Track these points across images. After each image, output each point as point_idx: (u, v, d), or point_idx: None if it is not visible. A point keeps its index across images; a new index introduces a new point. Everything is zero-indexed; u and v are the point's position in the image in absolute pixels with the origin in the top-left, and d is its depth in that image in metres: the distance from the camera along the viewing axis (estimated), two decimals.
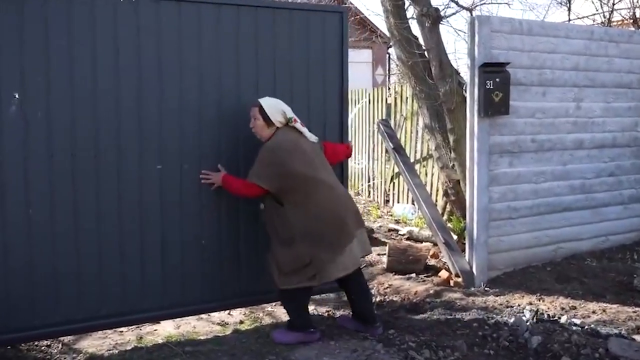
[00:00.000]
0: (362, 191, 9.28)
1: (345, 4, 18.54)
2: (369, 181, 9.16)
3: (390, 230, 6.99)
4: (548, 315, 4.04)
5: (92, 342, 3.97)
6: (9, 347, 3.71)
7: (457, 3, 6.13)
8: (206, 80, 3.93)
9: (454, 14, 6.87)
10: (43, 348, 3.87)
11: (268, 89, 4.09)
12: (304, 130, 3.88)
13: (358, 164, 9.45)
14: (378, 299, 4.64)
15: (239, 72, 4.04)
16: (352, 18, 18.70)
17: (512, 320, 3.94)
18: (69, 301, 3.62)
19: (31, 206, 3.48)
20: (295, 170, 3.67)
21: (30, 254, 3.50)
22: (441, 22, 5.64)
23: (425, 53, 5.82)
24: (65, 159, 3.54)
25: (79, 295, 3.65)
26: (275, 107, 3.80)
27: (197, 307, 4.05)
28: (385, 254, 5.52)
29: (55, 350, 3.85)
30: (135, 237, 3.77)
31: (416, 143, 7.91)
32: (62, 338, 3.95)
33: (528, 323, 3.83)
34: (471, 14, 5.99)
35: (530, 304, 4.31)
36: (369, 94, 9.24)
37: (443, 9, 5.89)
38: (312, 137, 3.91)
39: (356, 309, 4.02)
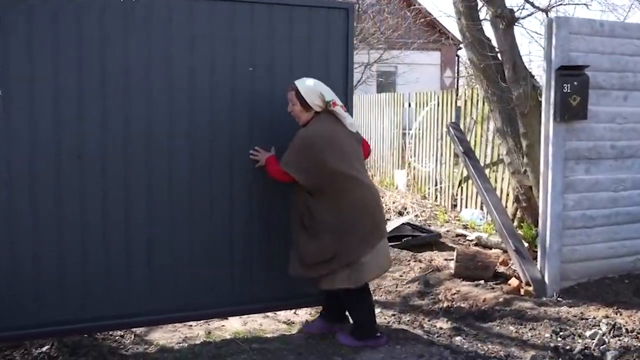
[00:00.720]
0: (428, 195, 9.16)
1: (414, 5, 18.44)
2: (435, 185, 9.03)
3: (457, 235, 6.87)
4: (626, 329, 3.87)
5: (163, 335, 4.09)
6: (85, 336, 3.87)
7: (532, 4, 5.96)
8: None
9: (529, 15, 6.70)
10: (117, 338, 4.01)
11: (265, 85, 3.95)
12: (345, 116, 3.69)
13: (425, 167, 9.33)
14: (445, 305, 4.56)
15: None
16: (422, 20, 18.54)
17: (587, 333, 3.79)
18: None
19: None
20: (328, 166, 3.52)
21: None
22: (516, 24, 5.50)
23: (499, 55, 5.68)
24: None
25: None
26: (312, 91, 3.60)
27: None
28: (452, 260, 5.42)
29: (128, 341, 3.98)
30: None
31: (486, 147, 7.75)
32: (134, 329, 4.09)
33: (604, 337, 3.68)
34: (547, 16, 5.81)
35: (606, 317, 4.13)
36: (437, 97, 9.12)
37: (518, 11, 5.74)
38: (352, 126, 3.73)
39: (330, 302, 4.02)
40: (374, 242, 3.65)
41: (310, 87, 3.61)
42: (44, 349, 3.70)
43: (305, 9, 3.99)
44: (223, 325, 4.26)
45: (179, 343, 3.94)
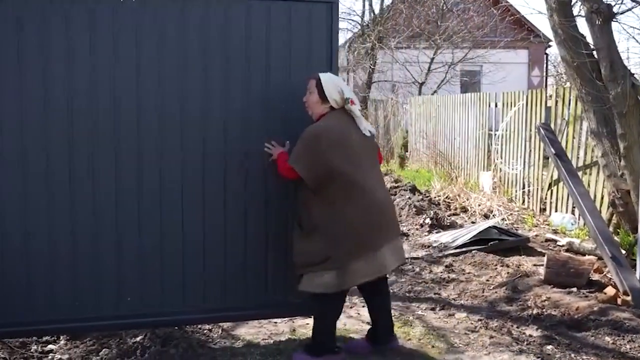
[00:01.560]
0: (515, 198, 8.88)
1: (501, 2, 17.93)
2: (523, 188, 8.74)
3: (547, 240, 6.61)
4: None
5: (249, 330, 4.18)
6: (176, 328, 4.02)
7: None
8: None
9: (628, 10, 6.32)
10: (205, 332, 4.13)
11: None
12: (362, 118, 3.56)
13: (512, 169, 9.05)
14: (535, 312, 4.40)
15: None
16: (508, 18, 18.02)
17: None
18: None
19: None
20: (333, 165, 3.36)
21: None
22: (613, 20, 5.23)
23: (594, 53, 5.43)
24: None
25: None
26: (333, 84, 3.50)
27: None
28: (542, 265, 5.23)
29: (216, 335, 4.10)
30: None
31: (578, 149, 7.40)
32: (222, 324, 4.20)
33: None
34: None
35: None
36: (526, 96, 8.82)
37: (616, 5, 5.45)
38: (367, 129, 3.56)
39: (373, 319, 3.79)
40: (370, 249, 3.42)
41: (333, 80, 3.53)
42: (137, 339, 3.87)
43: (285, 2, 3.77)
44: (307, 324, 4.30)
45: (265, 339, 4.02)
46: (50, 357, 3.76)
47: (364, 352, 3.74)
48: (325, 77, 3.52)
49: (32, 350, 3.82)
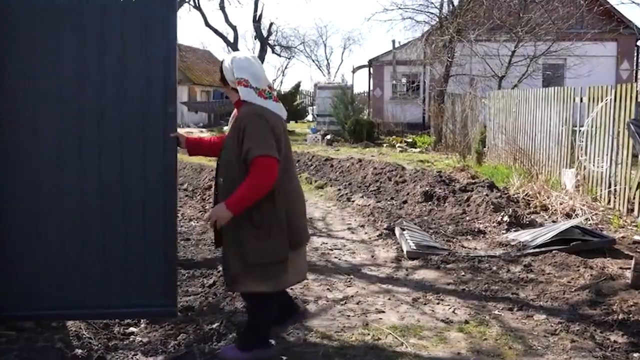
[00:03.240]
0: (600, 197, 8.47)
1: None
2: (609, 187, 8.32)
3: (635, 242, 6.27)
4: None
5: (322, 323, 4.19)
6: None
7: None
8: None
9: None
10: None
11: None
12: (278, 103, 3.34)
13: (598, 167, 8.64)
14: (620, 317, 4.18)
15: None
16: (596, 9, 17.20)
17: None
18: None
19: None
20: (282, 146, 3.19)
21: None
22: None
23: None
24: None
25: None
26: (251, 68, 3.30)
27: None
28: (628, 268, 4.96)
29: (290, 326, 4.13)
30: None
31: None
32: None
33: None
34: None
35: None
36: (614, 91, 8.38)
37: None
38: (283, 111, 3.36)
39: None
40: (303, 243, 3.41)
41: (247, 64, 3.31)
42: (214, 325, 3.97)
43: None
44: (380, 318, 4.28)
45: (337, 332, 4.02)
46: (131, 339, 3.92)
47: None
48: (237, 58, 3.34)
49: (114, 332, 3.99)
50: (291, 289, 4.78)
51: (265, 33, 28.53)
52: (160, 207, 3.64)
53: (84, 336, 3.84)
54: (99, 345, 3.76)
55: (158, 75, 3.61)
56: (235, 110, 3.38)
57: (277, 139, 3.17)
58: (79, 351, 3.52)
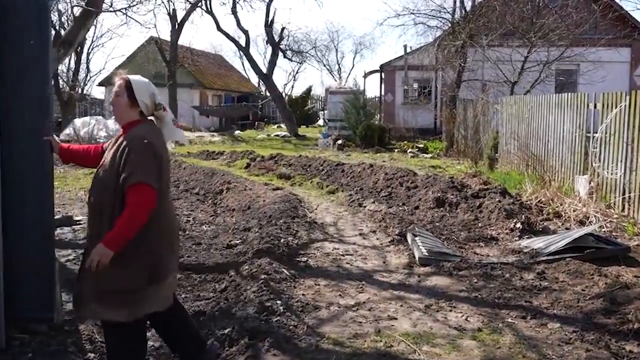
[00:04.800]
0: (614, 204, 8.39)
1: None
2: (623, 194, 8.24)
3: None
4: None
5: (333, 329, 4.17)
6: (262, 322, 4.08)
7: None
8: None
9: None
10: (290, 327, 4.17)
11: None
12: (170, 126, 3.30)
13: (612, 173, 8.56)
14: (636, 326, 4.13)
15: None
16: (610, 14, 17.10)
17: None
18: None
19: None
20: (162, 174, 3.13)
21: None
22: None
23: None
24: None
25: None
26: (144, 86, 3.22)
27: None
28: None
29: (301, 332, 4.12)
30: None
31: None
32: (307, 321, 4.24)
33: None
34: None
35: None
36: (628, 98, 8.30)
37: None
38: (169, 141, 3.33)
39: (183, 341, 3.42)
40: (171, 272, 3.24)
41: (143, 83, 3.26)
42: (225, 331, 3.97)
43: None
44: (393, 325, 4.26)
45: (350, 339, 4.00)
46: None
47: None
48: (136, 79, 3.25)
49: None
50: (303, 294, 4.81)
51: (277, 38, 28.56)
52: None
53: (97, 340, 3.85)
54: None
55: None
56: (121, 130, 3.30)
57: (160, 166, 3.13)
58: (91, 355, 3.54)
